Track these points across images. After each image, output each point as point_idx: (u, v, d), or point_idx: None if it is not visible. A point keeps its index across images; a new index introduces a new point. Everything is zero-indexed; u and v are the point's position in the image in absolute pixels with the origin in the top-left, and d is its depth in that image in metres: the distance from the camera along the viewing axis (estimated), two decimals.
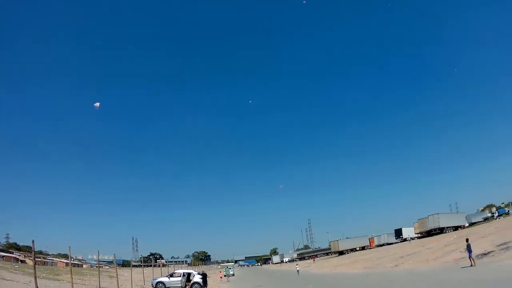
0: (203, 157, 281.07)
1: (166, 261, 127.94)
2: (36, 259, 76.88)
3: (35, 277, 18.22)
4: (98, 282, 27.00)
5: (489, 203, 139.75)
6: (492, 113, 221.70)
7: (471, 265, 25.03)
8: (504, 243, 28.93)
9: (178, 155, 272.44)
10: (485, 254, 27.90)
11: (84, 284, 30.35)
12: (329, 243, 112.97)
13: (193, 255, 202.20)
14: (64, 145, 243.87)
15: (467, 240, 27.00)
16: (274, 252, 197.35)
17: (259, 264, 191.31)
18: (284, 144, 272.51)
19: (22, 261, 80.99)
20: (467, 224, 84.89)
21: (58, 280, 30.31)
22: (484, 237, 37.36)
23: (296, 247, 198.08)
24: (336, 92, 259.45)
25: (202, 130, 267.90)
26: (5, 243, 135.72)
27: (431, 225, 77.46)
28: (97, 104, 51.81)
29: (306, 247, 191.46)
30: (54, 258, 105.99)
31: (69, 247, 25.54)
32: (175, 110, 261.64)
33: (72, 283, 22.09)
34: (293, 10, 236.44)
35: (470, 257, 25.74)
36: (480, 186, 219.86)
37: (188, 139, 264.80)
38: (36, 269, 19.44)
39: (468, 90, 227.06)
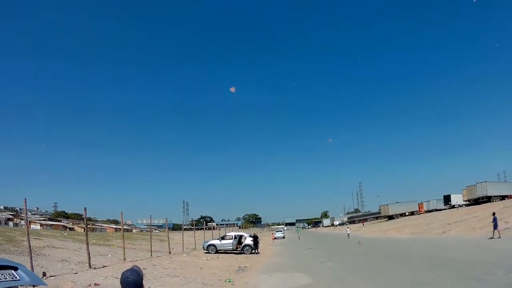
0: (254, 126, 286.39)
1: (216, 224, 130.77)
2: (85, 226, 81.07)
3: (87, 243, 18.46)
4: (150, 246, 26.99)
5: None
6: None
7: (498, 237, 26.83)
8: None
9: (229, 124, 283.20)
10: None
11: (135, 248, 30.61)
12: (379, 207, 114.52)
13: (244, 218, 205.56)
14: (113, 113, 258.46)
15: (493, 214, 28.68)
16: (325, 215, 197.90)
17: (309, 227, 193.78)
18: (335, 110, 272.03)
19: (71, 229, 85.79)
20: None
21: (108, 245, 30.53)
22: None
23: (347, 211, 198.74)
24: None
25: (252, 102, 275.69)
26: (53, 212, 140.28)
27: (479, 193, 76.77)
28: (233, 88, 53.83)
29: (356, 210, 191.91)
30: (103, 225, 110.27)
31: (121, 212, 25.26)
32: (224, 83, 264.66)
33: (124, 248, 22.52)
34: None
35: (495, 229, 27.37)
36: None
37: (236, 110, 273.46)
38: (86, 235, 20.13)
39: None
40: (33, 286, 5.09)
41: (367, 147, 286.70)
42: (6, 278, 4.59)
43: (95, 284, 13.54)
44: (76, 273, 15.41)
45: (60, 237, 33.26)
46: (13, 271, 4.78)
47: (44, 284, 5.48)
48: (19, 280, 4.73)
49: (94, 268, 16.97)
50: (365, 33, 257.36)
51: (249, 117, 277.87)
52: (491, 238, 27.31)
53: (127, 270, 3.75)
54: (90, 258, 17.78)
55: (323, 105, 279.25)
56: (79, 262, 18.26)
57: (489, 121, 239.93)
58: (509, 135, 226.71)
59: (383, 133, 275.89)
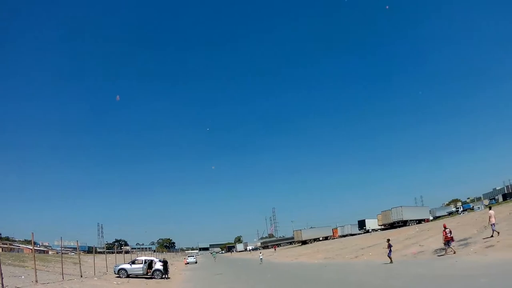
0: (164, 145, 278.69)
1: (131, 248, 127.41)
2: (3, 245, 74.66)
3: None
4: (61, 268, 27.87)
5: (455, 197, 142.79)
6: (461, 110, 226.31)
7: (390, 262, 27.22)
8: (464, 239, 28.83)
9: (138, 144, 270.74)
10: (444, 249, 27.45)
11: (48, 271, 30.57)
12: (293, 232, 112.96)
13: (158, 242, 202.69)
14: (25, 126, 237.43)
15: (388, 240, 29.47)
16: (239, 240, 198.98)
17: (223, 251, 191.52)
18: (248, 133, 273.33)
19: None
20: (431, 218, 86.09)
21: (23, 266, 30.66)
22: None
23: (261, 236, 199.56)
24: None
25: (169, 116, 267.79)
26: None
27: (394, 217, 77.93)
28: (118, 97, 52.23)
29: (270, 235, 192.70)
30: (20, 245, 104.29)
31: (32, 233, 25.14)
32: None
33: (35, 270, 22.63)
34: None
35: (389, 255, 28.00)
36: (447, 180, 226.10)
37: (144, 124, 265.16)
38: (3, 256, 22.09)
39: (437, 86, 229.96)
40: None
41: (280, 171, 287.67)
42: None
43: None
44: None
45: None
46: None
47: None
48: None
49: None
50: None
51: (164, 133, 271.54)
52: (386, 263, 27.57)
53: None
54: (2, 279, 17.88)
55: (237, 135, 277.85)
56: None
57: (407, 145, 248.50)
58: (427, 160, 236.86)
59: (297, 158, 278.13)
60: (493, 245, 23.16)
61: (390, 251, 28.22)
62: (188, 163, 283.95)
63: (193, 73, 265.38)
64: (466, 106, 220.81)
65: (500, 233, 25.70)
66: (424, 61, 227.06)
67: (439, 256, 26.53)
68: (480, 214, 49.73)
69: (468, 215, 60.83)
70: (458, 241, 28.72)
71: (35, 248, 77.93)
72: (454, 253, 25.28)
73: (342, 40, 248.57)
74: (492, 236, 26.07)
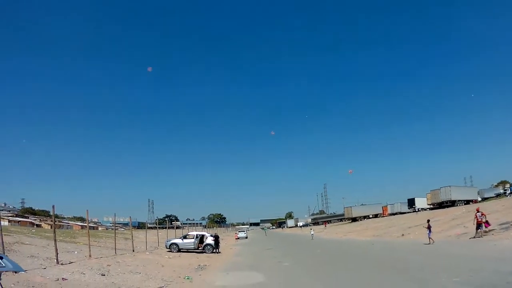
0: (220, 122, 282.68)
1: (181, 223, 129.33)
2: (51, 223, 78.29)
3: (55, 240, 19.32)
4: (114, 243, 28.68)
5: (505, 179, 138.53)
6: None
7: (430, 243, 27.86)
8: (507, 222, 29.16)
9: (194, 122, 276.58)
10: (485, 232, 28.04)
11: (100, 246, 31.57)
12: (344, 209, 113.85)
13: (209, 217, 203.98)
14: (80, 107, 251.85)
15: (428, 221, 30.27)
16: (290, 216, 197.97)
17: (273, 227, 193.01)
18: (301, 112, 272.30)
19: (38, 225, 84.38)
20: (479, 199, 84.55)
21: (74, 243, 31.35)
22: (489, 214, 36.60)
23: (312, 212, 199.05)
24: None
25: (221, 97, 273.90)
26: (20, 208, 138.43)
27: (443, 197, 77.83)
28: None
29: (321, 212, 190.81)
30: (69, 222, 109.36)
31: (87, 210, 26.66)
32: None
33: (89, 245, 23.66)
34: None
35: (429, 236, 28.61)
36: (499, 161, 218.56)
37: (203, 105, 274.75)
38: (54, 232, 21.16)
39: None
40: (15, 272, 6.82)
41: (334, 148, 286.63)
42: None
43: (62, 278, 14.29)
44: (44, 268, 16.06)
45: (28, 233, 34.75)
46: None
47: (23, 270, 7.60)
48: (4, 266, 5.72)
49: (62, 264, 17.74)
50: None
51: (215, 116, 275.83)
52: (426, 244, 28.22)
53: None
54: (57, 254, 18.52)
55: (292, 104, 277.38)
56: (47, 258, 18.98)
57: (459, 125, 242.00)
58: (478, 140, 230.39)
59: (351, 135, 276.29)
60: None
61: (430, 231, 28.72)
62: (239, 141, 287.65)
63: (244, 50, 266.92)
64: None
65: None
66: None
67: (470, 238, 27.49)
68: None
69: None
70: (500, 224, 29.39)
71: (84, 224, 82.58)
72: (480, 237, 26.60)
73: None
74: None
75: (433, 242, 27.73)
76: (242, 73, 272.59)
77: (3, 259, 5.87)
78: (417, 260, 20.26)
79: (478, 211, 27.91)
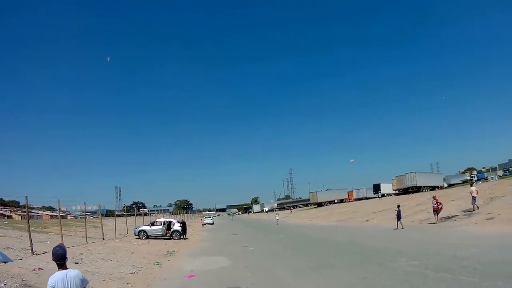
0: (185, 108, 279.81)
1: (148, 210, 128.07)
2: (22, 213, 76.72)
3: (29, 231, 19.92)
4: (85, 232, 28.96)
5: (472, 166, 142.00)
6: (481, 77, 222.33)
7: (401, 228, 27.77)
8: (470, 209, 29.53)
9: (161, 107, 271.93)
10: (448, 217, 28.68)
11: (71, 235, 31.85)
12: (309, 194, 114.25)
13: (175, 204, 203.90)
14: (46, 94, 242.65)
15: (398, 206, 30.48)
16: (256, 201, 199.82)
17: (240, 213, 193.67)
18: (267, 97, 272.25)
19: (9, 217, 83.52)
20: (445, 185, 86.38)
21: (46, 232, 31.68)
22: (454, 200, 38.22)
23: (277, 197, 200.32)
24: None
25: (186, 82, 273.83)
26: None
27: (408, 183, 78.85)
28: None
29: (287, 197, 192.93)
30: (39, 212, 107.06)
31: (58, 200, 26.14)
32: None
33: (62, 235, 23.92)
34: None
35: (398, 221, 28.59)
36: (465, 148, 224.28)
37: (164, 88, 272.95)
38: (25, 223, 22.84)
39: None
40: (4, 262, 6.83)
41: (299, 133, 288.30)
42: None
43: (39, 268, 14.56)
44: (21, 259, 16.49)
45: (1, 225, 35.63)
46: None
47: (11, 260, 7.67)
48: None
49: (36, 254, 18.19)
50: None
51: (180, 101, 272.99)
52: (395, 229, 28.10)
53: (56, 246, 5.43)
54: (32, 245, 19.10)
55: (258, 96, 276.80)
56: (22, 249, 19.37)
57: (426, 113, 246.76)
58: (443, 128, 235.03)
59: (316, 120, 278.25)
60: (493, 218, 23.99)
61: (399, 217, 28.63)
62: (206, 125, 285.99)
63: (211, 34, 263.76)
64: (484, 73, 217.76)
65: (499, 206, 27.51)
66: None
67: (430, 224, 28.36)
68: (491, 185, 50.13)
69: (479, 185, 61.15)
70: (463, 210, 29.92)
71: (54, 214, 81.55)
72: (435, 223, 27.68)
73: None
74: (473, 210, 28.70)
75: (402, 227, 27.70)
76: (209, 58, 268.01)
77: None
78: (378, 244, 20.82)
79: (434, 199, 28.95)
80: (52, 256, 5.31)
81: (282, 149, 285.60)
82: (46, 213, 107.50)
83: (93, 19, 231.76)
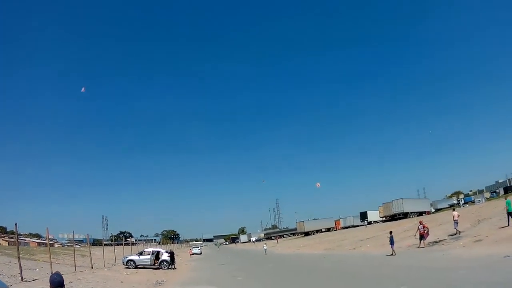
0: (172, 136, 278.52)
1: (135, 240, 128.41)
2: (9, 239, 75.34)
3: (19, 258, 19.50)
4: (74, 260, 28.78)
5: (458, 190, 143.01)
6: (467, 104, 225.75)
7: (394, 254, 26.99)
8: (453, 233, 29.65)
9: (147, 134, 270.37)
10: (436, 242, 28.66)
11: (59, 263, 31.38)
12: (296, 223, 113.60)
13: (162, 234, 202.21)
14: (32, 123, 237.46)
15: (390, 232, 29.74)
16: (242, 231, 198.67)
17: (227, 243, 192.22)
18: (255, 125, 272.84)
19: None
20: (432, 210, 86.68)
21: (34, 260, 31.30)
22: (441, 225, 38.30)
23: (264, 227, 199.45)
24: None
25: (173, 111, 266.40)
26: None
27: (395, 209, 79.01)
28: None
29: (274, 227, 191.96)
30: (26, 239, 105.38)
31: (47, 228, 26.20)
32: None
33: (51, 263, 23.77)
34: None
35: (392, 247, 27.73)
36: (451, 173, 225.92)
37: (152, 118, 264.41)
38: (13, 249, 23.15)
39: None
40: None
41: (285, 163, 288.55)
42: None
43: None
44: (11, 285, 16.49)
45: None
46: None
47: (6, 286, 6.42)
48: None
49: (26, 281, 18.10)
50: None
51: (169, 127, 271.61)
52: (390, 255, 27.48)
53: (53, 273, 5.57)
54: (21, 272, 18.76)
55: (243, 127, 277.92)
56: (11, 275, 19.16)
57: (412, 137, 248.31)
58: (429, 153, 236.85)
59: (302, 150, 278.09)
60: (481, 240, 23.99)
61: (393, 243, 27.95)
62: (193, 155, 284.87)
63: (197, 65, 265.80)
64: (467, 101, 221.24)
65: (486, 228, 27.60)
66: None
67: (415, 248, 28.37)
68: (479, 207, 50.43)
69: (466, 209, 61.39)
70: (450, 235, 29.89)
71: (42, 241, 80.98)
72: (423, 247, 27.66)
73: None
74: (455, 234, 29.05)
75: (395, 254, 27.20)
76: (195, 86, 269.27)
77: None
78: (367, 270, 20.96)
79: (420, 224, 29.23)
80: (50, 284, 5.39)
81: (268, 179, 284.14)
82: (34, 240, 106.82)
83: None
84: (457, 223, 29.33)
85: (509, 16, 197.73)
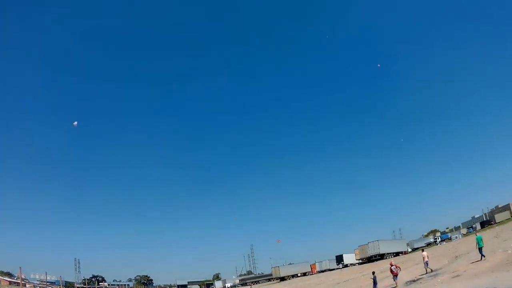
0: (141, 183, 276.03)
1: (108, 284, 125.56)
2: None
3: None
4: None
5: (435, 228, 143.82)
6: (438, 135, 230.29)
7: None
8: (435, 270, 29.47)
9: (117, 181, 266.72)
10: (414, 281, 28.30)
11: None
12: (271, 269, 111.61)
13: (136, 279, 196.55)
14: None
15: (373, 273, 29.99)
16: (217, 277, 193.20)
17: None
18: (227, 167, 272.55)
19: None
20: (409, 250, 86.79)
21: None
22: (418, 264, 37.72)
23: (239, 273, 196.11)
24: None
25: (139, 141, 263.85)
26: None
27: (371, 251, 78.68)
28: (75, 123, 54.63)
29: (249, 272, 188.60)
30: None
31: (20, 268, 24.71)
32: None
33: None
34: None
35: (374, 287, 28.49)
36: (426, 212, 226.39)
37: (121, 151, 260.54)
38: None
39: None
40: None
41: (257, 208, 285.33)
42: None
43: None
44: None
45: None
46: None
47: None
48: None
49: None
50: None
51: (135, 166, 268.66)
52: None
53: None
54: None
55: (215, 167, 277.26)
56: None
57: (385, 176, 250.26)
58: (405, 193, 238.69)
59: (271, 194, 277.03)
60: (459, 275, 23.71)
61: (375, 283, 28.58)
62: (165, 199, 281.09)
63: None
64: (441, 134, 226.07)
65: (464, 263, 28.08)
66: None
67: None
68: (456, 244, 50.64)
69: (443, 246, 61.69)
70: (428, 272, 29.51)
71: (13, 280, 77.45)
72: (397, 285, 28.22)
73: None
74: (427, 272, 29.54)
75: None
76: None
77: None
78: None
79: (391, 265, 29.83)
80: None
81: (242, 224, 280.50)
82: (5, 278, 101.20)
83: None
84: (427, 263, 29.93)
85: None
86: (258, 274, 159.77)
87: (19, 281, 30.57)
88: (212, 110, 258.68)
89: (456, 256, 32.47)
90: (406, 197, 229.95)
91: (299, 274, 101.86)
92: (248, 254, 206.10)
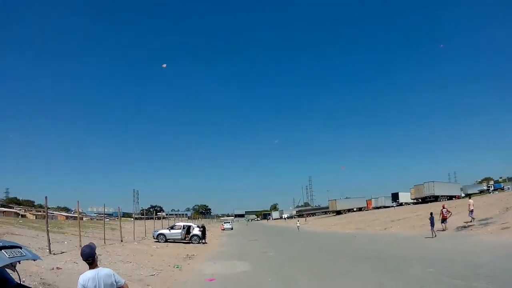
0: (204, 116, 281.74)
1: (166, 214, 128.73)
2: (37, 212, 77.67)
3: (47, 231, 19.71)
4: (104, 234, 28.79)
5: (489, 175, 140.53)
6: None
7: (434, 236, 27.12)
8: (485, 219, 29.76)
9: (179, 112, 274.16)
10: (464, 227, 28.99)
11: (88, 236, 31.28)
12: (328, 202, 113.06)
13: (193, 208, 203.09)
14: (63, 99, 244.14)
15: (431, 214, 29.29)
16: (275, 208, 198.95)
17: (258, 219, 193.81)
18: (287, 104, 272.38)
19: (23, 216, 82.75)
20: (462, 195, 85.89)
21: (62, 233, 31.37)
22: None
23: (296, 204, 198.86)
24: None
25: (209, 93, 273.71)
26: (4, 198, 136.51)
27: (426, 192, 78.69)
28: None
29: (306, 204, 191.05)
30: (54, 212, 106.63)
31: (78, 201, 26.19)
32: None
33: (80, 236, 23.77)
34: None
35: (432, 229, 27.84)
36: (484, 158, 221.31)
37: (187, 98, 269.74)
38: (40, 223, 21.17)
39: None
40: (34, 259, 6.59)
41: (319, 142, 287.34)
42: (17, 254, 5.71)
43: (57, 268, 14.71)
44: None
45: (16, 224, 34.35)
46: (19, 249, 5.95)
47: (40, 258, 7.39)
48: (25, 255, 5.95)
49: (54, 254, 18.16)
50: None
51: (201, 108, 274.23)
52: (428, 237, 27.41)
53: (85, 245, 5.67)
54: (50, 244, 18.95)
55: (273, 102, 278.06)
56: (39, 248, 18.98)
57: (446, 123, 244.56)
58: (462, 136, 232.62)
59: (336, 131, 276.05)
60: (508, 227, 24.19)
61: (432, 224, 27.93)
62: (225, 134, 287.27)
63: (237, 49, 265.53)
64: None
65: (510, 217, 27.70)
66: None
67: (438, 231, 28.20)
68: (507, 195, 49.86)
69: (496, 195, 60.57)
70: (480, 220, 29.95)
71: (70, 215, 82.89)
72: (444, 230, 28.97)
73: None
74: (471, 221, 29.88)
75: (435, 235, 27.20)
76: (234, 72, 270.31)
77: (22, 248, 6.07)
78: (395, 252, 21.54)
79: (443, 208, 30.51)
80: (81, 256, 5.43)
81: (301, 156, 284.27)
82: (62, 213, 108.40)
83: None
84: (472, 211, 30.26)
85: None
86: (315, 206, 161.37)
87: (76, 215, 32.04)
88: None
89: (507, 208, 32.52)
90: (465, 140, 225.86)
91: (354, 209, 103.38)
92: (306, 186, 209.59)
